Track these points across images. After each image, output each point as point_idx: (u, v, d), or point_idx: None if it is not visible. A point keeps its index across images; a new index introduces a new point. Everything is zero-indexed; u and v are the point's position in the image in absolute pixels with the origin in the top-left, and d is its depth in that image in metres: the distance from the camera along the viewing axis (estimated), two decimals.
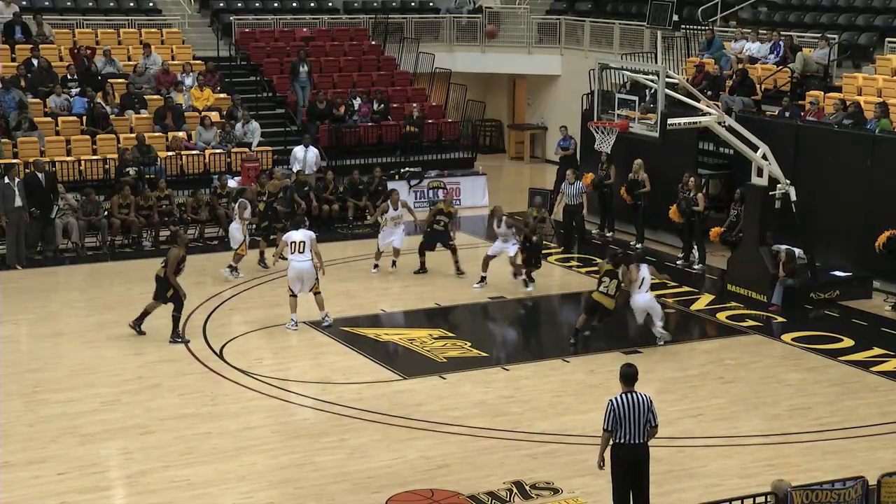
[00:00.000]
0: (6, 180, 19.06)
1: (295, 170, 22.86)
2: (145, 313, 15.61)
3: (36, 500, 10.76)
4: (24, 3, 26.40)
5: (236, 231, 18.78)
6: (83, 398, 13.42)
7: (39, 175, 19.73)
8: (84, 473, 11.33)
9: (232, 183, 22.18)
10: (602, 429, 9.77)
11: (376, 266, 19.20)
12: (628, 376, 9.88)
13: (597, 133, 18.27)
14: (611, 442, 9.76)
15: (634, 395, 9.76)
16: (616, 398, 9.72)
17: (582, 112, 23.60)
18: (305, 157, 23.17)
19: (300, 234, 15.81)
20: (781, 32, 23.19)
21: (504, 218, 18.33)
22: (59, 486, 11.03)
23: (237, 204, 19.11)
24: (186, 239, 16.32)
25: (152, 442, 12.18)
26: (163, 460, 11.66)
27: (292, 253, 15.74)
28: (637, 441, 9.68)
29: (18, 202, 19.05)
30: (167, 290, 15.37)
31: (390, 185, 23.47)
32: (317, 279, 15.82)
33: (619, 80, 22.25)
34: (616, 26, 28.25)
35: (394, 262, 19.18)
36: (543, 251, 19.09)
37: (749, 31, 23.91)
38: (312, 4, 30.28)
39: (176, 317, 15.39)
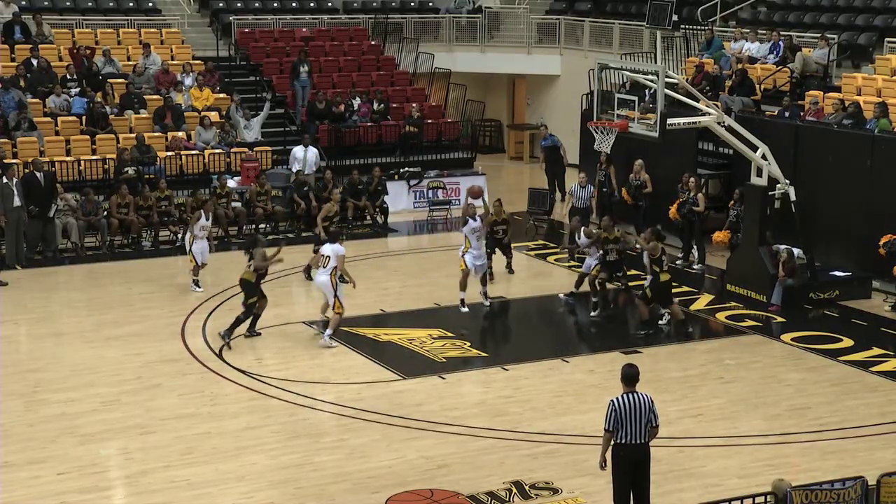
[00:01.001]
0: (4, 180, 19.06)
1: (294, 170, 22.88)
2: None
3: (36, 499, 10.76)
4: (24, 3, 26.40)
5: (186, 242, 18.29)
6: (83, 398, 13.42)
7: (38, 174, 19.75)
8: (84, 473, 11.33)
9: (231, 183, 22.19)
10: (603, 429, 9.76)
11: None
12: (630, 376, 9.88)
13: (596, 133, 18.26)
14: (612, 442, 9.75)
15: (636, 395, 9.77)
16: (617, 398, 9.72)
17: (581, 112, 23.61)
18: (305, 156, 23.18)
19: (328, 249, 15.62)
20: (781, 32, 23.20)
21: (583, 229, 17.84)
22: (58, 486, 11.03)
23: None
24: (263, 241, 16.28)
25: (152, 442, 12.18)
26: (163, 460, 11.66)
27: (317, 266, 15.68)
28: (638, 441, 9.69)
29: (17, 202, 19.05)
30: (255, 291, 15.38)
31: (390, 186, 23.51)
32: (336, 297, 15.48)
33: (618, 80, 22.24)
34: (615, 26, 28.26)
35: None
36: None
37: (748, 31, 23.92)
38: (312, 4, 30.28)
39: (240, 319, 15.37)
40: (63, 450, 11.88)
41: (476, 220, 17.13)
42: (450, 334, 15.92)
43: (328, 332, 15.38)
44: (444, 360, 14.93)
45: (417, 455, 11.88)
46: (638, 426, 9.66)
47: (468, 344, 15.55)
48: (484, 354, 15.25)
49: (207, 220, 17.98)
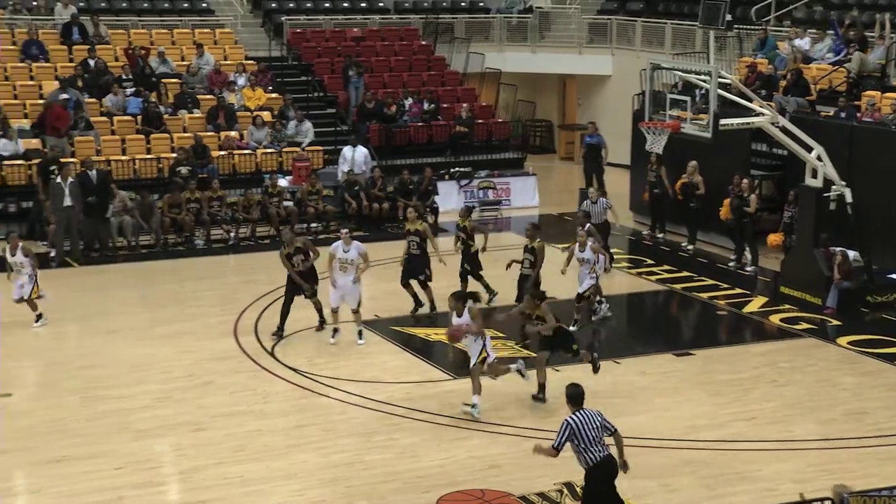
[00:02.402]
0: (58, 179, 19.31)
1: (344, 170, 22.97)
2: (319, 310, 15.74)
3: (93, 493, 10.90)
4: (82, 4, 26.78)
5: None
6: (136, 395, 13.57)
7: (90, 173, 19.98)
8: (138, 469, 11.45)
9: (283, 182, 22.34)
10: (552, 447, 9.47)
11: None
12: (577, 396, 9.64)
13: (648, 134, 18.15)
14: (588, 465, 9.44)
15: (585, 411, 9.58)
16: (572, 417, 9.48)
17: (633, 112, 23.47)
18: (353, 156, 23.25)
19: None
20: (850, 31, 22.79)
21: (590, 243, 16.15)
22: (115, 480, 11.16)
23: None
24: (289, 236, 16.04)
25: (204, 439, 12.28)
26: (215, 457, 11.75)
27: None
28: (606, 454, 9.49)
29: (68, 201, 19.25)
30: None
31: (440, 185, 23.52)
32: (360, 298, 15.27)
33: (670, 80, 22.08)
34: (668, 26, 28.06)
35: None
36: None
37: (816, 32, 23.50)
38: (363, 4, 30.40)
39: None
40: (118, 445, 12.02)
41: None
42: (500, 334, 15.88)
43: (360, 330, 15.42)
44: (496, 360, 14.87)
45: (468, 455, 11.87)
46: (598, 441, 9.46)
47: (518, 344, 15.50)
48: (535, 355, 15.18)
49: (346, 251, 15.39)
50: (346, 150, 23.38)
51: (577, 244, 16.29)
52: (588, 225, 17.19)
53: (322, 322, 15.82)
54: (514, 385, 14.02)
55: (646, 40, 28.79)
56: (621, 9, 30.83)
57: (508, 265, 16.47)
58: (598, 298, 16.59)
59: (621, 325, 17.88)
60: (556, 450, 9.51)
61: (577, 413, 9.54)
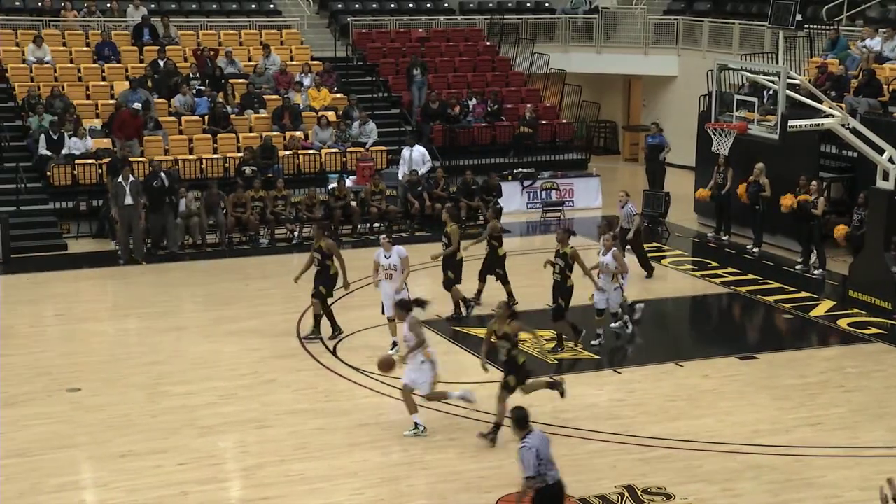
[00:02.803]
0: (119, 179, 19.54)
1: (405, 171, 23.00)
2: (316, 316, 15.66)
3: (158, 488, 11.05)
4: (153, 6, 27.22)
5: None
6: (201, 391, 13.74)
7: (160, 175, 20.19)
8: (203, 465, 11.59)
9: (347, 182, 22.46)
10: (527, 477, 9.10)
11: None
12: (523, 419, 9.37)
13: (714, 135, 17.96)
14: (541, 485, 9.12)
15: (536, 432, 9.37)
16: (531, 440, 9.21)
17: (699, 113, 23.23)
18: (410, 156, 23.25)
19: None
20: None
21: (613, 251, 15.13)
22: (179, 475, 11.31)
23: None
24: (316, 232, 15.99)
25: (267, 436, 12.39)
26: (277, 454, 11.85)
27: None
28: (559, 477, 9.26)
29: (129, 200, 19.41)
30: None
31: (504, 186, 23.47)
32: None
33: (737, 81, 21.83)
34: (736, 26, 27.72)
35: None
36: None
37: (885, 30, 23.05)
38: (428, 5, 30.48)
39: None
40: (183, 441, 12.17)
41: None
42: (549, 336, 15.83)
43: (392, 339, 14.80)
44: (556, 361, 14.85)
45: None
46: (552, 461, 9.26)
47: (580, 346, 15.43)
48: (596, 357, 15.12)
49: (387, 257, 15.01)
50: (405, 151, 23.44)
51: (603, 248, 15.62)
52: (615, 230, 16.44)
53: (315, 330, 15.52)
54: (577, 387, 13.95)
55: (713, 40, 28.48)
56: (688, 9, 30.53)
57: (545, 264, 15.70)
58: (628, 306, 15.97)
59: (684, 328, 17.73)
60: (535, 477, 9.10)
61: (529, 435, 9.28)
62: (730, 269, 19.60)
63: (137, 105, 22.68)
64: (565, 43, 30.15)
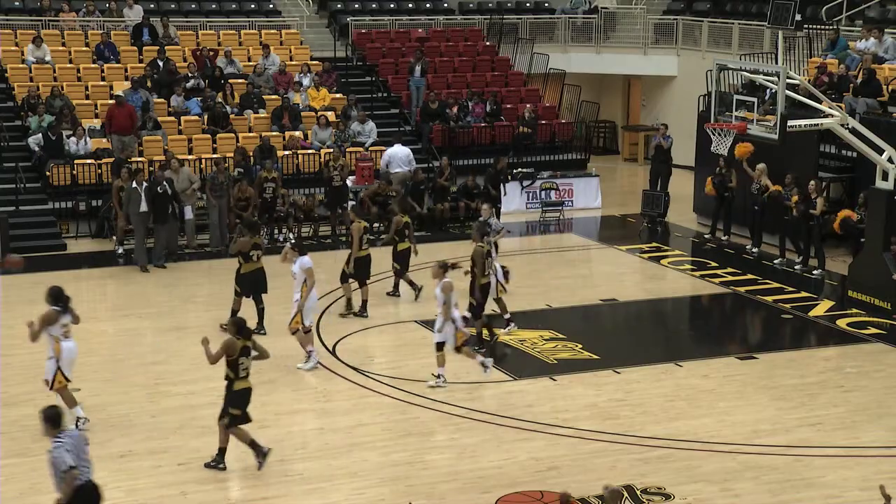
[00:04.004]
0: (133, 184, 19.46)
1: (399, 169, 22.88)
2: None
3: (157, 488, 11.07)
4: (152, 6, 27.21)
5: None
6: (202, 391, 13.72)
7: (165, 182, 19.98)
8: (201, 465, 11.57)
9: (347, 182, 22.44)
10: (69, 466, 8.94)
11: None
12: (56, 417, 9.15)
13: (713, 135, 17.97)
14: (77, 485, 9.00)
15: (69, 430, 9.28)
16: (61, 438, 9.06)
17: (698, 113, 23.24)
18: (394, 155, 22.94)
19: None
20: None
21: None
22: (178, 476, 11.32)
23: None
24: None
25: (267, 436, 12.36)
26: (277, 454, 11.84)
27: None
28: (91, 476, 9.19)
29: (144, 207, 19.24)
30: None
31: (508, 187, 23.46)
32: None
33: (737, 81, 21.84)
34: (735, 26, 27.73)
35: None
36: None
37: (878, 29, 23.08)
38: (428, 5, 30.48)
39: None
40: (182, 441, 12.18)
41: None
42: (561, 336, 15.84)
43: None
44: (556, 361, 14.87)
45: (528, 456, 11.85)
46: (88, 461, 9.21)
47: (580, 346, 15.45)
48: (595, 357, 15.13)
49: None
50: (389, 150, 23.28)
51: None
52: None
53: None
54: (576, 387, 13.98)
55: (712, 41, 28.49)
56: (687, 9, 30.54)
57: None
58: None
59: (684, 328, 17.74)
60: (73, 468, 8.91)
61: (63, 434, 9.10)
62: (729, 269, 19.60)
63: (120, 93, 22.65)
64: (564, 43, 30.15)
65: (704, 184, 22.11)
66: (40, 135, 21.83)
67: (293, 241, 17.26)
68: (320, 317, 16.62)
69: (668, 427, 12.67)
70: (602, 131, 31.84)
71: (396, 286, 17.58)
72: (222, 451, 11.54)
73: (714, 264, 20.00)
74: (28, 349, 15.12)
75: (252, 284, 15.86)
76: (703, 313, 18.48)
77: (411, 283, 17.30)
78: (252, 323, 14.36)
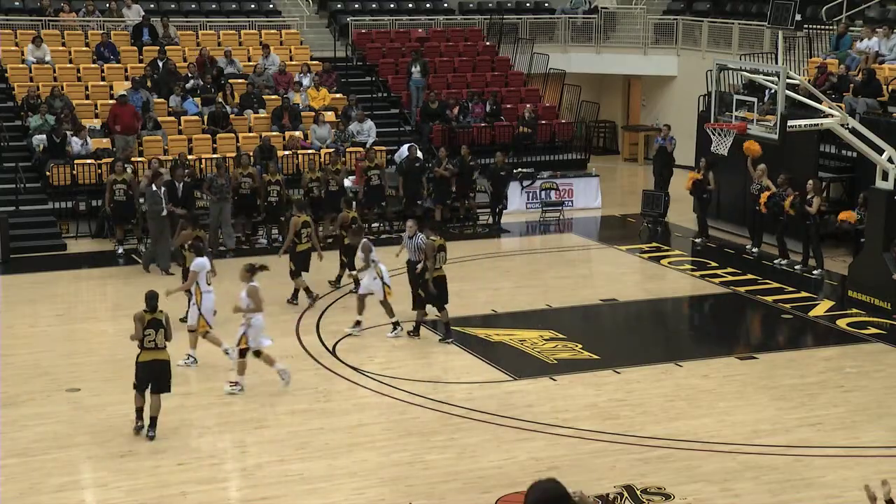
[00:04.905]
0: (153, 188, 19.31)
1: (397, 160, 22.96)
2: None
3: (157, 488, 11.05)
4: (152, 5, 27.20)
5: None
6: (200, 391, 13.74)
7: (177, 185, 19.90)
8: (202, 465, 11.59)
9: (347, 182, 22.44)
10: None
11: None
12: None
13: (713, 135, 17.97)
14: None
15: None
16: None
17: (698, 113, 23.24)
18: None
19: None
20: None
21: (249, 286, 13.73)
22: (178, 476, 11.30)
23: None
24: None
25: (267, 436, 12.39)
26: (277, 454, 11.86)
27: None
28: None
29: (164, 211, 19.01)
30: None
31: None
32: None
33: (737, 81, 21.83)
34: (735, 26, 27.74)
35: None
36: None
37: (881, 28, 23.05)
38: (428, 5, 30.48)
39: None
40: (182, 441, 12.17)
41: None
42: (562, 336, 15.84)
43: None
44: (556, 361, 14.87)
45: (528, 456, 11.84)
46: None
47: (580, 346, 15.45)
48: (595, 357, 15.12)
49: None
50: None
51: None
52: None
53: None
54: (576, 387, 13.97)
55: (712, 41, 28.49)
56: (687, 9, 30.54)
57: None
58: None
59: (684, 328, 17.74)
60: None
61: None
62: (729, 269, 19.61)
63: (123, 92, 22.67)
64: (565, 43, 30.16)
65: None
66: (44, 136, 21.81)
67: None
68: (320, 317, 16.64)
69: (668, 427, 12.67)
70: (602, 131, 31.85)
71: (295, 293, 17.15)
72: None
73: (714, 264, 20.01)
74: (28, 349, 15.18)
75: (304, 262, 16.89)
76: (703, 313, 18.48)
77: (307, 290, 16.96)
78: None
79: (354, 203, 18.98)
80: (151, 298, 12.40)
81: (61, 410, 13.04)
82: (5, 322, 16.33)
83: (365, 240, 15.95)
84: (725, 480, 11.29)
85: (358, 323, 15.90)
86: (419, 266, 15.65)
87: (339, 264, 17.89)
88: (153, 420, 12.20)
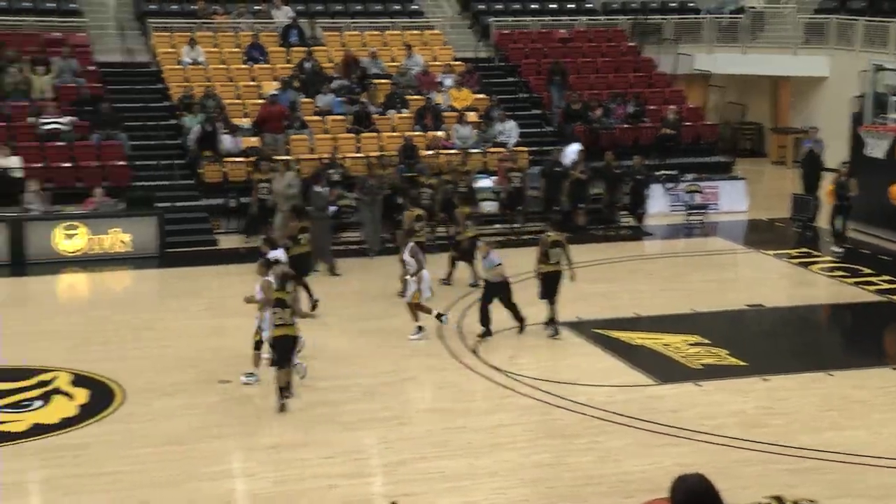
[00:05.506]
0: (317, 188, 19.65)
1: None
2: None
3: (304, 480, 11.23)
4: (300, 7, 27.80)
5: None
6: (344, 387, 13.91)
7: (324, 181, 20.25)
8: (347, 459, 11.71)
9: (486, 182, 22.50)
10: None
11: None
12: None
13: (868, 138, 17.37)
14: None
15: None
16: None
17: (851, 116, 22.48)
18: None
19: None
20: None
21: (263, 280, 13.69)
22: (325, 469, 11.46)
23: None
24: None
25: (408, 433, 12.47)
26: (418, 452, 11.91)
27: None
28: None
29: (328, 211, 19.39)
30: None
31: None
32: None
33: (894, 82, 21.03)
34: (892, 25, 26.72)
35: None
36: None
37: None
38: (571, 6, 30.31)
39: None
40: (328, 435, 12.35)
41: None
42: (706, 341, 15.52)
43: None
44: (701, 367, 14.57)
45: (672, 462, 11.61)
46: None
47: (726, 352, 15.11)
48: (742, 363, 14.76)
49: None
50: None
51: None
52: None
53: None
54: (722, 394, 13.67)
55: (867, 40, 27.51)
56: (841, 7, 29.57)
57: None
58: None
59: (835, 337, 17.18)
60: None
61: None
62: (885, 277, 18.88)
63: (274, 92, 23.20)
64: (710, 43, 29.57)
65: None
66: (199, 126, 22.46)
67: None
68: (461, 316, 16.69)
69: (819, 438, 12.26)
70: (748, 133, 31.12)
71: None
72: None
73: (868, 271, 19.30)
74: (180, 341, 15.65)
75: (466, 252, 17.60)
76: (856, 322, 17.83)
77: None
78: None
79: (498, 203, 18.98)
80: (283, 278, 12.96)
81: (212, 401, 13.40)
82: (159, 314, 16.91)
83: (413, 243, 15.75)
84: (883, 497, 10.86)
85: (420, 329, 15.55)
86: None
87: (451, 261, 18.01)
88: (281, 390, 12.80)
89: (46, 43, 24.71)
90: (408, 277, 15.74)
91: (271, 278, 13.50)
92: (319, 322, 16.65)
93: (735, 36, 29.79)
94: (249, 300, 14.00)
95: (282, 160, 21.18)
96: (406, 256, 15.73)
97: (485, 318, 15.58)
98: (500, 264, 15.65)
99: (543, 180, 22.53)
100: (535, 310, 16.45)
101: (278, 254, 15.25)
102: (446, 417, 12.95)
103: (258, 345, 13.76)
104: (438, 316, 15.78)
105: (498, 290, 15.60)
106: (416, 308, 15.62)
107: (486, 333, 15.56)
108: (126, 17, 27.27)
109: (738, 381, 14.07)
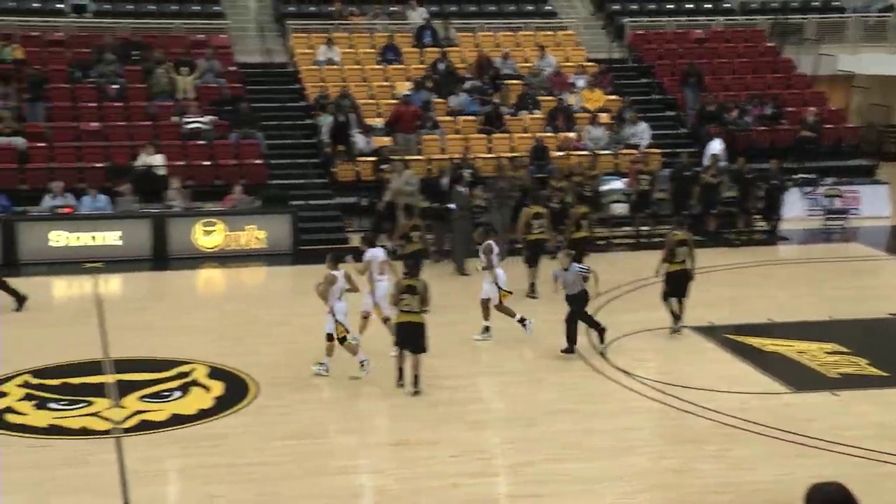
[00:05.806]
0: (458, 188, 19.79)
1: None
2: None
3: (430, 478, 11.27)
4: (434, 8, 28.00)
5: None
6: (469, 385, 13.96)
7: (464, 176, 20.43)
8: (472, 458, 11.71)
9: (617, 184, 22.27)
10: None
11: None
12: None
13: None
14: None
15: None
16: None
17: None
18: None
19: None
20: None
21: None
22: (450, 467, 11.48)
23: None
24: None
25: (534, 434, 12.41)
26: (545, 453, 11.83)
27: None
28: None
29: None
30: None
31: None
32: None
33: None
34: None
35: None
36: None
37: None
38: (708, 6, 29.74)
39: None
40: (454, 433, 12.38)
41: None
42: (844, 349, 15.01)
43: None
44: (838, 376, 14.10)
45: (808, 473, 11.20)
46: None
47: (866, 361, 14.58)
48: (884, 374, 14.22)
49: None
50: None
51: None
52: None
53: None
54: (862, 405, 13.20)
55: None
56: None
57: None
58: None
59: None
60: None
61: None
62: None
63: (408, 92, 23.40)
64: (855, 43, 28.61)
65: None
66: (331, 118, 22.79)
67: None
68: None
69: None
70: (894, 136, 29.99)
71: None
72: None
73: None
74: (310, 337, 15.89)
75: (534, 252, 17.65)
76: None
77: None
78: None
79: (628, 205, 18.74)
80: (412, 266, 13.41)
81: (341, 396, 13.59)
82: (291, 310, 17.23)
83: (489, 242, 15.62)
84: None
85: (487, 329, 15.55)
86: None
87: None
88: (415, 378, 13.27)
89: (191, 45, 25.50)
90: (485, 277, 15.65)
91: (337, 273, 13.80)
92: (455, 320, 16.66)
93: (883, 35, 28.75)
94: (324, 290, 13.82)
95: (399, 160, 21.33)
96: (481, 254, 15.69)
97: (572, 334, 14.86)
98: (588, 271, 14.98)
99: (672, 183, 22.17)
100: (660, 314, 16.19)
101: (376, 252, 15.25)
102: (573, 419, 12.85)
103: (330, 336, 13.92)
104: (521, 321, 15.57)
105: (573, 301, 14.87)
106: (497, 309, 15.50)
107: (570, 350, 14.87)
108: (266, 18, 27.91)
109: (880, 392, 13.57)
